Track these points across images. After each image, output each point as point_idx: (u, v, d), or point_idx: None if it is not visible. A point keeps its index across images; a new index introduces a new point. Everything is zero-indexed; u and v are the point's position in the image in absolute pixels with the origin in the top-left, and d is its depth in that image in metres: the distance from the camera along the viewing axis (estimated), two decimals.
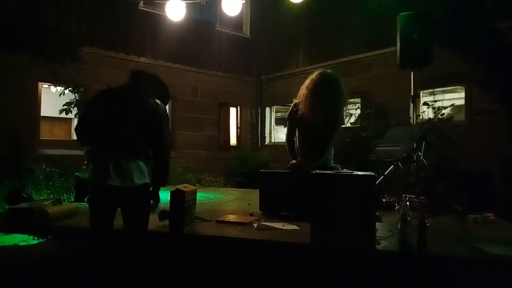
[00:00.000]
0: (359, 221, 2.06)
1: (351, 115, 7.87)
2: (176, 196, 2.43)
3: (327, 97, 3.05)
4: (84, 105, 5.45)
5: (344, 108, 3.30)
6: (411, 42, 4.70)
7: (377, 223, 2.26)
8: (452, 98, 6.68)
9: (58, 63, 6.18)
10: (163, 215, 2.58)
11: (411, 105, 5.22)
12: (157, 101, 2.35)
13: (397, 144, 4.47)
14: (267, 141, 10.36)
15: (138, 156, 2.18)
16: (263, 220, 2.73)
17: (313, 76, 3.15)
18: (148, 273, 2.35)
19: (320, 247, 2.11)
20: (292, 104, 3.32)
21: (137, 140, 2.19)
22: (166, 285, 2.38)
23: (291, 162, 3.19)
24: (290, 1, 5.59)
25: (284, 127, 10.68)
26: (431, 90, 6.72)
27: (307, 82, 3.17)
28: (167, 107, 7.91)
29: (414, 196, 3.04)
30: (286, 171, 3.21)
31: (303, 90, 3.19)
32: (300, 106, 3.19)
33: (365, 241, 2.05)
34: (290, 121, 3.36)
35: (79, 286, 2.25)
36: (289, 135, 3.37)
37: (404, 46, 4.80)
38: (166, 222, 2.51)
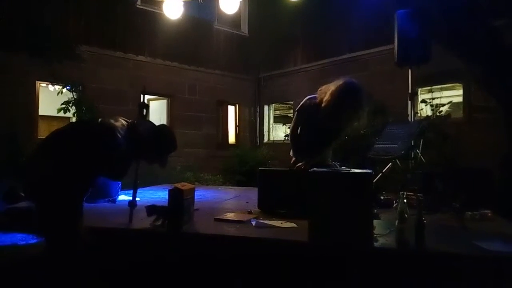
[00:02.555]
0: (357, 219, 2.07)
1: None
2: (174, 194, 2.43)
3: (350, 108, 3.00)
4: None
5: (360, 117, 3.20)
6: (408, 40, 4.71)
7: (374, 221, 2.27)
8: (450, 96, 6.69)
9: (56, 62, 6.16)
10: (150, 210, 2.51)
11: (409, 102, 5.23)
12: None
13: (395, 142, 4.48)
14: (265, 139, 10.37)
15: None
16: (261, 218, 2.74)
17: (340, 83, 3.03)
18: (146, 272, 2.35)
19: (318, 244, 2.12)
20: (308, 100, 3.23)
21: None
22: (165, 283, 2.39)
23: (295, 162, 3.24)
24: None
25: (283, 125, 10.72)
26: (429, 87, 6.72)
27: (333, 88, 3.04)
28: (164, 106, 7.82)
29: (411, 194, 3.05)
30: (285, 169, 3.22)
31: (327, 96, 3.05)
32: (322, 106, 3.08)
33: (362, 239, 2.06)
34: (302, 115, 3.29)
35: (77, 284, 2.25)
36: (294, 128, 3.35)
37: (401, 44, 4.81)
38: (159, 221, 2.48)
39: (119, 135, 2.23)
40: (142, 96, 2.95)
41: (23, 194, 3.19)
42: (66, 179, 2.11)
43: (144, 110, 2.72)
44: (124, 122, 2.35)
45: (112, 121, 2.32)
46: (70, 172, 2.12)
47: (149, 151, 2.41)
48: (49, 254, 2.18)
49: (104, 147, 2.21)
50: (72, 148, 2.18)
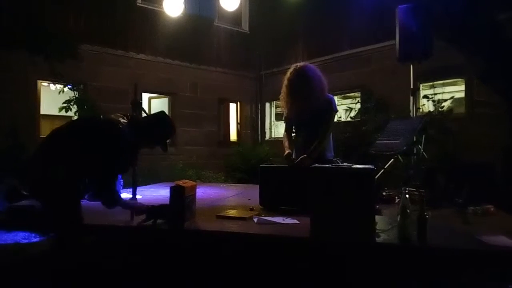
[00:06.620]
0: (359, 215, 2.06)
1: (351, 109, 7.86)
2: (176, 191, 2.43)
3: (302, 91, 3.08)
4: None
5: (329, 97, 3.20)
6: (410, 35, 4.68)
7: (376, 216, 2.26)
8: (452, 91, 6.67)
9: (57, 61, 6.16)
10: (150, 213, 2.46)
11: (411, 98, 5.21)
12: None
13: (397, 138, 4.46)
14: (267, 137, 10.36)
15: None
16: (263, 215, 2.74)
17: (288, 72, 3.18)
18: (148, 268, 2.36)
19: (320, 240, 2.11)
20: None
21: None
22: (166, 280, 2.39)
23: (285, 153, 3.26)
24: None
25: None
26: (431, 83, 6.71)
27: (284, 80, 3.19)
28: (166, 104, 7.85)
29: (414, 189, 3.04)
30: (286, 165, 3.22)
31: (282, 89, 3.22)
32: (282, 105, 3.26)
33: (364, 234, 2.06)
34: (285, 121, 3.44)
35: (79, 283, 2.26)
36: (286, 131, 3.44)
37: (403, 39, 4.79)
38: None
39: (125, 130, 2.31)
40: (134, 94, 2.97)
41: (25, 193, 3.20)
42: (73, 176, 2.13)
43: (138, 108, 2.75)
44: (123, 117, 2.39)
45: (113, 117, 2.36)
46: (77, 169, 2.15)
47: (151, 137, 2.49)
48: (57, 248, 2.20)
49: (112, 142, 2.25)
50: (78, 145, 2.19)
